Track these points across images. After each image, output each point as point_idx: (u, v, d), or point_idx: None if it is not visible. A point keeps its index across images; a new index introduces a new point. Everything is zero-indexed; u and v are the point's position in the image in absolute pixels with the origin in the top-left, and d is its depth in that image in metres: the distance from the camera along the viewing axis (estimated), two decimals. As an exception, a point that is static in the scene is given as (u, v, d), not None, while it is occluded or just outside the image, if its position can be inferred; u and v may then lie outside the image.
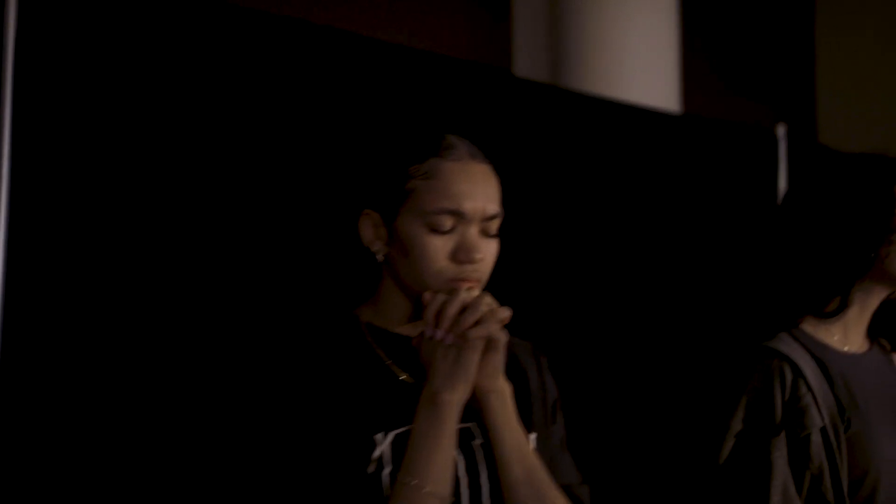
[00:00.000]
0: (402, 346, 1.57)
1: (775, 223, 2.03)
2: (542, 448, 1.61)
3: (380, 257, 1.56)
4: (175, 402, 2.17)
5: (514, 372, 1.63)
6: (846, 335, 1.99)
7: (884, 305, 2.04)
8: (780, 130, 3.57)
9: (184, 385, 2.18)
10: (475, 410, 1.55)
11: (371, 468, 1.48)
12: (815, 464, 1.83)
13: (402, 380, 1.55)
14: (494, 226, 1.56)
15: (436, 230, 1.51)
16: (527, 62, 4.43)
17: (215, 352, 2.22)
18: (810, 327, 1.97)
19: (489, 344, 1.50)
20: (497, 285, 1.60)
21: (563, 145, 3.06)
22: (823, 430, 1.85)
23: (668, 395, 3.07)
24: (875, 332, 2.07)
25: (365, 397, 1.51)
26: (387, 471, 1.48)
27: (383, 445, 1.49)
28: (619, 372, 3.07)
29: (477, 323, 1.47)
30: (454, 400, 1.47)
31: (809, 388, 1.86)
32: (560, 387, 1.73)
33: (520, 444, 1.54)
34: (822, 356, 1.92)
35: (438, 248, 1.51)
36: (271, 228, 2.35)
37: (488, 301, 1.50)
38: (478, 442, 1.55)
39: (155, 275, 2.18)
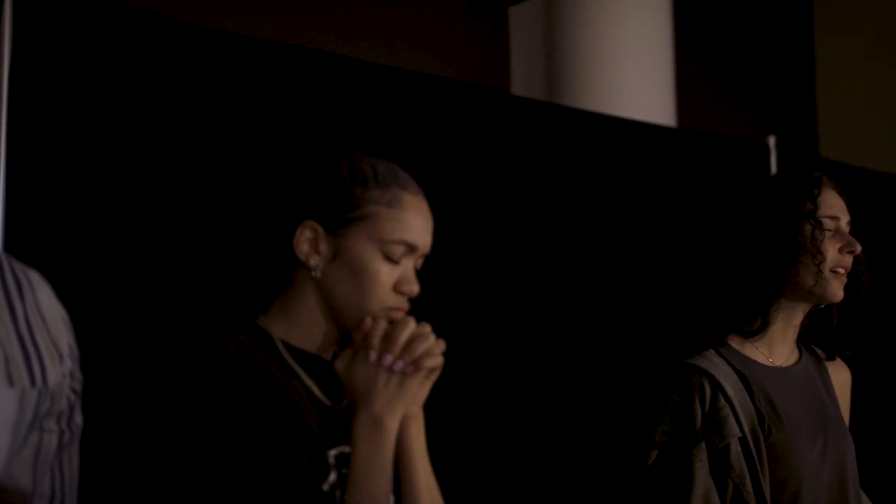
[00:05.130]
0: (319, 367, 1.56)
1: (702, 244, 2.11)
2: None
3: (316, 274, 1.53)
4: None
5: None
6: (771, 350, 2.08)
7: (819, 315, 2.12)
8: (771, 141, 3.63)
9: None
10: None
11: (325, 487, 1.47)
12: (736, 471, 1.93)
13: (325, 404, 1.54)
14: (422, 263, 1.59)
15: (389, 258, 1.53)
16: (524, 82, 4.51)
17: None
18: (736, 344, 2.06)
19: (429, 372, 1.52)
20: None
21: (560, 161, 3.14)
22: (742, 440, 1.95)
23: (603, 409, 3.08)
24: (819, 340, 2.16)
25: (290, 420, 1.48)
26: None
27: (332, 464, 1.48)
28: (564, 384, 3.07)
29: (425, 352, 1.49)
30: (395, 425, 1.50)
31: (728, 401, 1.96)
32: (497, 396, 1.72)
33: (428, 473, 1.57)
34: (745, 371, 2.02)
35: (387, 275, 1.53)
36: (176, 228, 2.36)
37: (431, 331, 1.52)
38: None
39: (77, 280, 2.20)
